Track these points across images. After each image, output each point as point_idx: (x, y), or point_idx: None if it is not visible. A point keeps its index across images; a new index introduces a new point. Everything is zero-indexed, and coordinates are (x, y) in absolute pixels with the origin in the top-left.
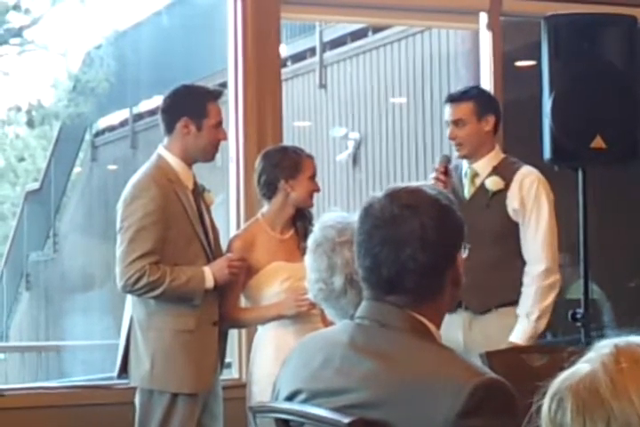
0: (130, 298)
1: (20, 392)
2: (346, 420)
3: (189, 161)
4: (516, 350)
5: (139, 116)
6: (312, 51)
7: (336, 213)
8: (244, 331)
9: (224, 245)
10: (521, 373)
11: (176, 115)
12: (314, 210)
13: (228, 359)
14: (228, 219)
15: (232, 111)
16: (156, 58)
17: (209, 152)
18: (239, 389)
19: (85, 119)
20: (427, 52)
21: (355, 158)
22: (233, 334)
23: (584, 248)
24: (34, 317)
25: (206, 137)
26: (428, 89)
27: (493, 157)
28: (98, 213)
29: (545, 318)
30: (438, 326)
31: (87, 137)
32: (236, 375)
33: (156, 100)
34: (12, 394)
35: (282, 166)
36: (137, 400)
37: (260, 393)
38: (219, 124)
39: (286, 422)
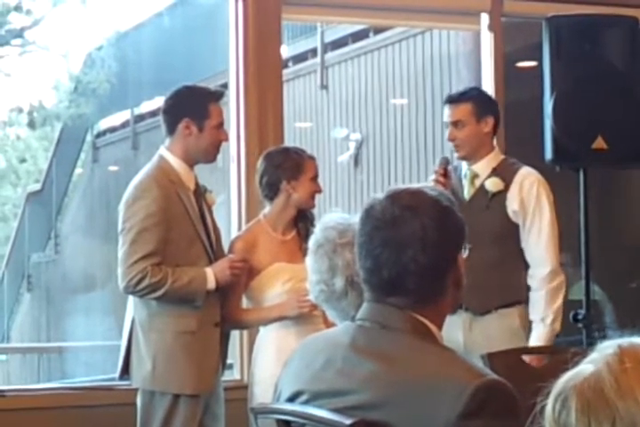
0: (131, 299)
1: (22, 393)
2: (347, 421)
3: (191, 162)
4: (517, 351)
5: (140, 118)
6: (313, 52)
7: (337, 214)
8: (245, 332)
9: (226, 245)
10: (522, 374)
11: (178, 116)
12: (315, 211)
13: (229, 360)
14: (229, 220)
15: (233, 112)
16: (157, 59)
17: (210, 153)
18: (241, 390)
19: (87, 120)
20: (428, 53)
21: (356, 159)
22: (235, 335)
23: (585, 249)
24: (35, 318)
25: (208, 138)
26: (430, 90)
27: (493, 159)
28: (99, 214)
29: (559, 319)
30: (440, 327)
31: (88, 138)
32: (237, 376)
33: (158, 102)
34: (14, 395)
35: (284, 167)
36: (138, 401)
37: (261, 394)
38: (220, 124)
39: (288, 423)
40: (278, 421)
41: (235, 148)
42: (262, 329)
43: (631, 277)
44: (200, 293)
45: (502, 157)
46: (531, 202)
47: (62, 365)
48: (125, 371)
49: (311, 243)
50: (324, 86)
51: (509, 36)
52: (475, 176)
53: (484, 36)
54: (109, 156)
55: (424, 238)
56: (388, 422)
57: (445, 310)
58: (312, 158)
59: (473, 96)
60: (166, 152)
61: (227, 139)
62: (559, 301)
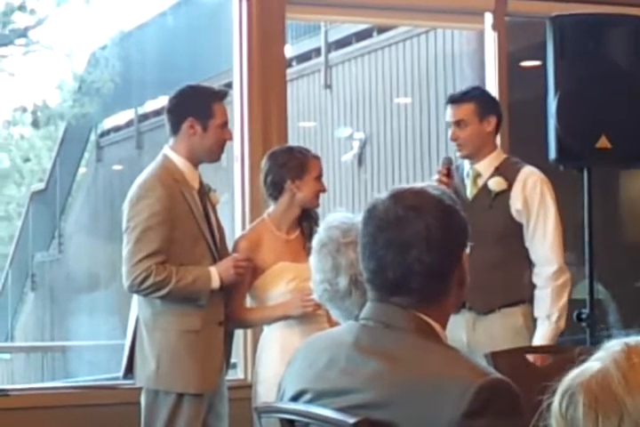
0: (135, 298)
1: (26, 392)
2: (351, 420)
3: (195, 161)
4: (521, 350)
5: (144, 117)
6: (317, 51)
7: (341, 213)
8: (249, 331)
9: (230, 245)
10: (526, 373)
11: (182, 115)
12: (319, 210)
13: (233, 360)
14: (233, 219)
15: (237, 111)
16: (161, 58)
17: (214, 152)
18: (245, 389)
19: (90, 120)
20: (432, 53)
21: (360, 159)
22: (239, 334)
23: (589, 248)
24: (39, 317)
25: (212, 137)
26: (433, 89)
27: (495, 158)
28: (103, 213)
29: (564, 317)
30: (444, 326)
31: (92, 137)
32: (241, 376)
33: (162, 101)
34: (18, 394)
35: (288, 167)
36: (142, 401)
37: (265, 394)
38: (224, 124)
39: (291, 422)
40: (282, 420)
41: (238, 147)
42: (266, 328)
43: (635, 277)
44: (204, 292)
45: (504, 156)
46: (534, 201)
47: (66, 364)
48: (129, 370)
49: (315, 242)
50: (328, 86)
51: (513, 35)
52: (477, 175)
53: (488, 35)
54: (113, 155)
55: (428, 238)
56: (391, 422)
57: (449, 310)
58: (316, 158)
59: (475, 96)
60: (170, 151)
61: (231, 138)
62: (564, 299)
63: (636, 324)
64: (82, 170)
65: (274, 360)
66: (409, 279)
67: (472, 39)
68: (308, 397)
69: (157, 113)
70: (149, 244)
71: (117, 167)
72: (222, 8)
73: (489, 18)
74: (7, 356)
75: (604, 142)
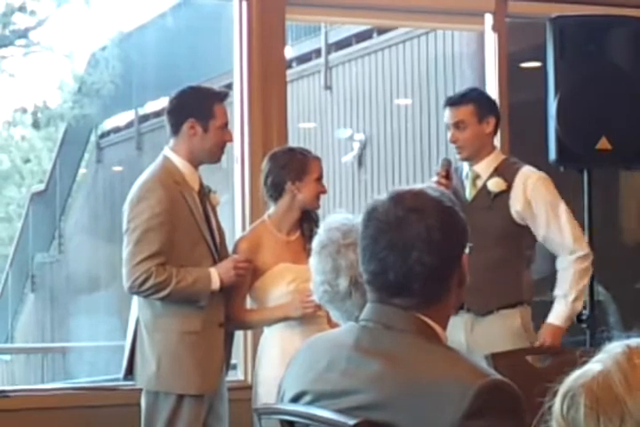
0: (136, 299)
1: (26, 394)
2: (351, 422)
3: (195, 162)
4: (521, 351)
5: (144, 118)
6: (317, 52)
7: (341, 214)
8: (249, 332)
9: (230, 246)
10: (526, 374)
11: (182, 116)
12: (319, 211)
13: (233, 361)
14: (233, 220)
15: (237, 112)
16: (161, 59)
17: (215, 153)
18: (245, 390)
19: (91, 121)
20: (432, 54)
21: (360, 160)
22: (239, 335)
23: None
24: (39, 318)
25: (212, 138)
26: (434, 90)
27: (494, 159)
28: (103, 214)
29: (580, 300)
30: (444, 327)
31: (92, 138)
32: (241, 377)
33: (162, 102)
34: (18, 395)
35: (289, 168)
36: (143, 402)
37: (265, 395)
38: (225, 125)
39: (292, 423)
40: (282, 421)
41: (239, 148)
42: (266, 329)
43: (635, 278)
44: (204, 293)
45: (503, 156)
46: (539, 200)
47: (66, 365)
48: (129, 371)
49: (315, 244)
50: (328, 87)
51: (513, 36)
52: (476, 177)
53: (488, 36)
54: (113, 156)
55: (429, 240)
56: (392, 423)
57: (450, 310)
58: (317, 159)
59: (474, 97)
60: (170, 153)
61: (231, 139)
62: (584, 282)
63: (636, 325)
64: (82, 171)
65: (274, 361)
66: (410, 281)
67: (472, 40)
68: (308, 398)
69: (157, 114)
70: (150, 245)
71: (117, 168)
72: (222, 9)
73: (489, 19)
74: (7, 357)
75: (604, 143)
